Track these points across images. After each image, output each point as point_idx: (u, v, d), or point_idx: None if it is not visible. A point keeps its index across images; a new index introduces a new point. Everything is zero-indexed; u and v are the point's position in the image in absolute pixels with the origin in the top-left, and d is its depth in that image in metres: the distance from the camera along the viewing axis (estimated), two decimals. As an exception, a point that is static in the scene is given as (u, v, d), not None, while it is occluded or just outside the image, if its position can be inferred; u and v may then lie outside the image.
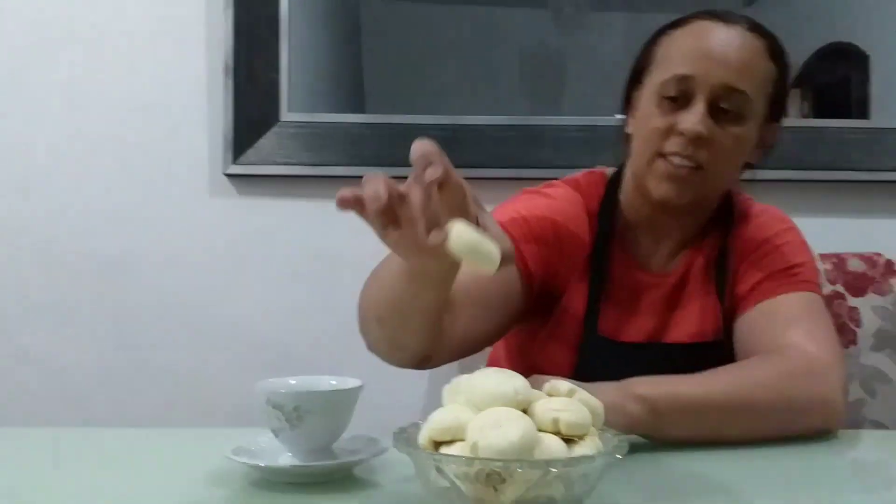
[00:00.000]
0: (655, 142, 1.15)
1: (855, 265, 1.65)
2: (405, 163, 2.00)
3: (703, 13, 1.19)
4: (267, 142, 1.84)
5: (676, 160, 1.13)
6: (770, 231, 1.27)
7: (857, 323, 1.61)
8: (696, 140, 1.12)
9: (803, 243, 1.28)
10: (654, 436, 0.98)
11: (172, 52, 1.87)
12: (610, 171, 1.32)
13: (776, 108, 1.23)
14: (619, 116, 1.30)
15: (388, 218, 0.78)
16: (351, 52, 1.99)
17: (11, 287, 1.85)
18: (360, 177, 1.98)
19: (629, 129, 1.25)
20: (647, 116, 1.18)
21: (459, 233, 0.74)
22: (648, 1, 1.25)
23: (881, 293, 1.62)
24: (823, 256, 1.66)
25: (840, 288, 1.62)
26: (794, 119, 1.95)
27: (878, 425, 1.56)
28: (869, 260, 1.66)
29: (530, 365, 1.18)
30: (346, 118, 1.87)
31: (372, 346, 1.07)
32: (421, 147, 0.80)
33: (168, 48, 1.87)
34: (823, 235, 1.84)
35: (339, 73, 2.00)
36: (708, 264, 1.26)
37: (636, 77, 1.24)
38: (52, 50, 1.86)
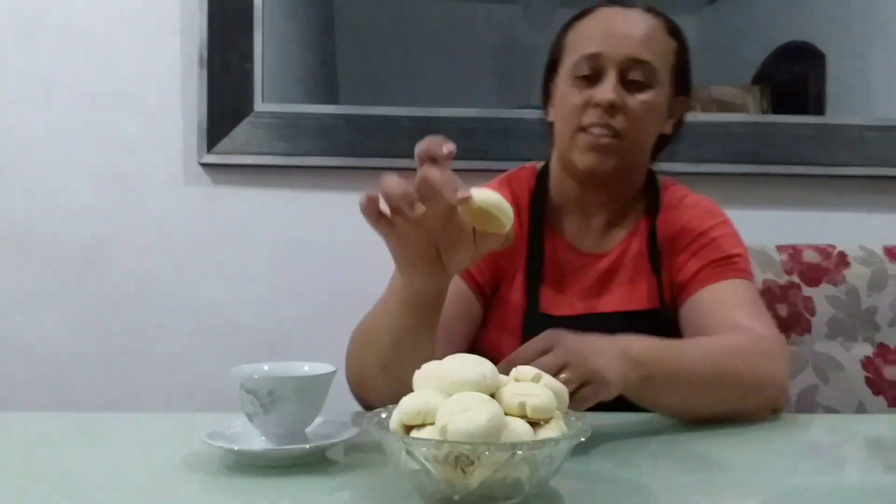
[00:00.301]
0: (575, 117, 1.22)
1: (810, 256, 1.67)
2: (377, 153, 2.01)
3: (604, 3, 1.28)
4: (241, 131, 1.83)
5: (596, 130, 1.20)
6: (706, 224, 1.30)
7: (812, 312, 1.63)
8: (611, 108, 1.19)
9: (736, 235, 1.32)
10: (632, 398, 0.98)
11: (147, 42, 1.85)
12: (540, 164, 1.36)
13: (681, 82, 1.30)
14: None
15: (408, 202, 0.81)
16: (325, 44, 1.98)
17: (-14, 274, 1.84)
18: (333, 167, 2.01)
19: (550, 118, 1.31)
20: (564, 98, 1.25)
21: (480, 191, 0.80)
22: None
23: (835, 283, 1.64)
24: (780, 248, 1.68)
25: (795, 278, 1.64)
26: (754, 115, 1.98)
27: (831, 410, 1.58)
28: (823, 251, 1.68)
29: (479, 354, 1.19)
30: (320, 109, 1.86)
31: (375, 402, 1.00)
32: (426, 141, 0.84)
33: (143, 39, 1.85)
34: (780, 227, 1.87)
35: (312, 64, 1.99)
36: (641, 249, 1.30)
37: (551, 68, 1.31)
38: (26, 40, 1.83)
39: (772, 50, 2.01)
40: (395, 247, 0.88)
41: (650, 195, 1.33)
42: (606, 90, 1.19)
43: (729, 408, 1.06)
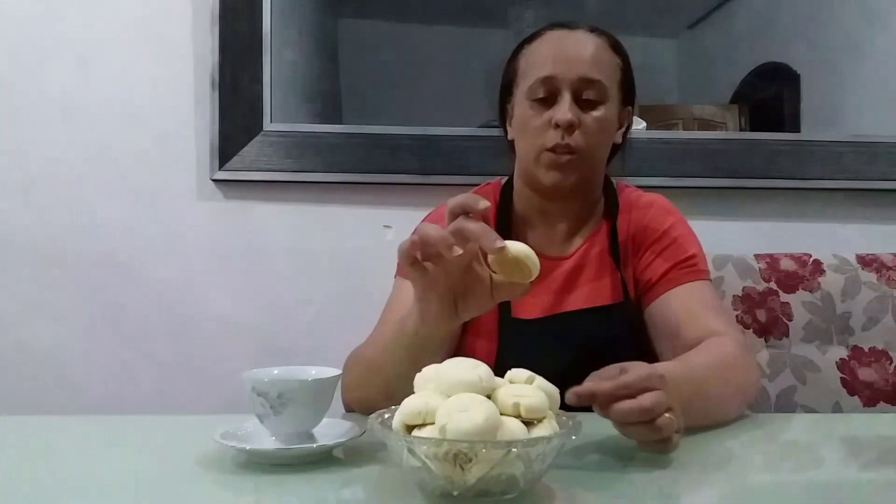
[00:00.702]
0: (538, 139, 1.23)
1: (787, 265, 1.68)
2: (377, 169, 2.02)
3: (551, 25, 1.29)
4: (251, 150, 1.84)
5: (558, 150, 1.21)
6: (666, 223, 1.31)
7: (789, 317, 1.63)
8: (569, 128, 1.20)
9: (692, 232, 1.33)
10: None
11: (162, 66, 1.86)
12: (504, 179, 1.38)
13: (627, 94, 1.30)
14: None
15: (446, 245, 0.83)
16: (329, 68, 1.99)
17: (11, 285, 1.83)
18: (336, 182, 2.00)
19: (510, 136, 1.32)
20: (524, 120, 1.26)
21: (512, 242, 0.83)
22: (601, 22, 1.29)
23: (810, 290, 1.65)
24: (758, 256, 1.68)
25: (773, 285, 1.65)
26: (733, 132, 1.99)
27: (808, 409, 1.58)
28: (799, 260, 1.69)
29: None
30: (324, 128, 1.86)
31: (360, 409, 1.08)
32: (462, 197, 0.87)
33: (158, 63, 1.86)
34: (758, 237, 1.88)
35: (317, 86, 2.00)
36: (603, 248, 1.30)
37: (506, 90, 1.32)
38: (49, 64, 1.84)
39: (749, 71, 2.03)
40: (422, 290, 0.90)
41: (608, 199, 1.34)
42: (564, 111, 1.20)
43: (729, 415, 1.07)
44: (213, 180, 1.85)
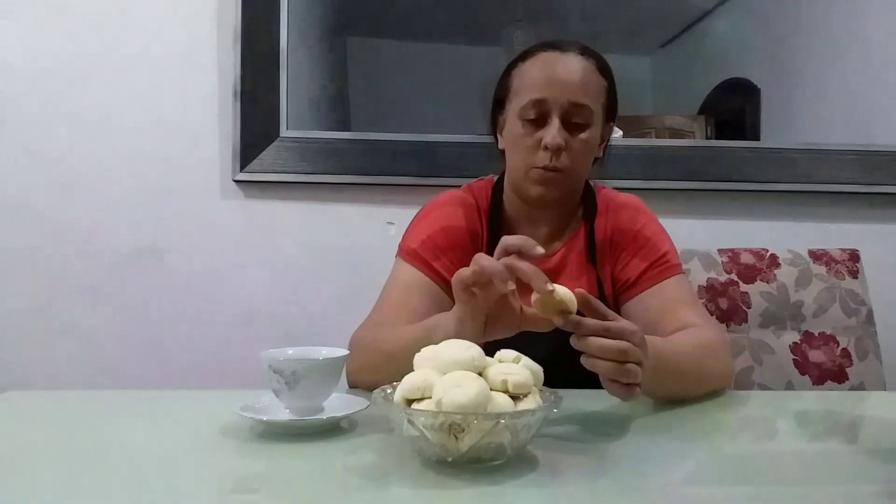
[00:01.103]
0: (527, 157, 1.21)
1: (746, 258, 1.68)
2: (382, 172, 2.02)
3: (543, 45, 1.23)
4: (269, 154, 1.84)
5: (547, 171, 1.19)
6: (638, 223, 1.29)
7: (748, 305, 1.63)
8: (557, 150, 1.17)
9: (663, 230, 1.31)
10: None
11: (189, 78, 1.85)
12: (495, 177, 1.35)
13: (610, 112, 1.27)
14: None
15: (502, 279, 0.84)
16: (339, 81, 1.99)
17: (56, 272, 1.83)
18: (345, 184, 1.99)
19: (501, 146, 1.29)
20: (515, 137, 1.22)
21: (558, 287, 0.83)
22: (586, 39, 1.28)
23: (767, 281, 1.65)
24: (721, 251, 1.69)
25: (734, 276, 1.65)
26: (700, 140, 1.99)
27: (764, 387, 1.58)
28: (758, 254, 1.69)
29: None
30: (335, 135, 1.86)
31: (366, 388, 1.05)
32: (520, 239, 0.88)
33: (186, 76, 1.85)
34: (721, 234, 1.89)
35: (328, 97, 1.99)
36: (582, 248, 1.29)
37: (498, 104, 1.28)
38: (92, 78, 1.84)
39: (715, 85, 2.03)
40: (467, 312, 0.89)
41: (587, 202, 1.32)
42: (553, 135, 1.17)
43: (699, 392, 1.07)
44: (235, 181, 1.84)
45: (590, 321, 0.84)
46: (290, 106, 1.84)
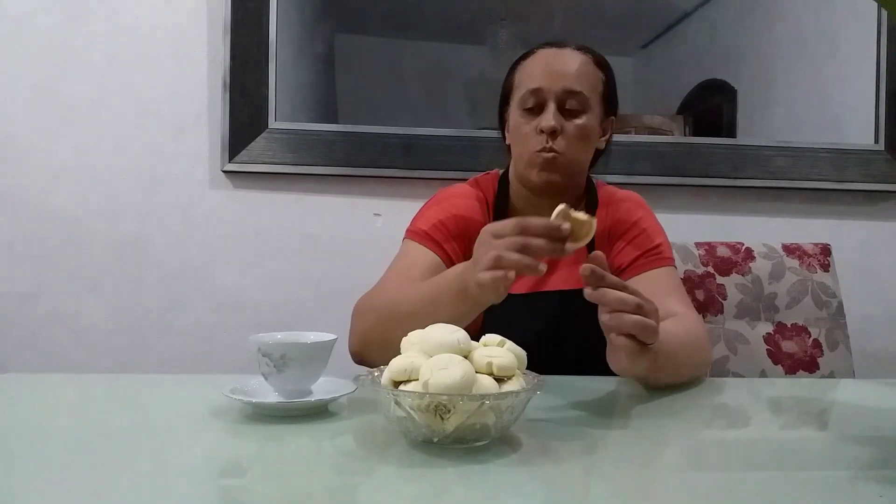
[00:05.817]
0: (528, 144, 1.24)
1: (722, 251, 1.69)
2: (368, 164, 2.02)
3: (543, 44, 1.28)
4: (257, 145, 1.82)
5: (545, 153, 1.21)
6: (636, 215, 1.32)
7: (724, 296, 1.65)
8: (553, 133, 1.21)
9: (658, 224, 1.34)
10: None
11: (180, 69, 1.84)
12: (501, 171, 1.38)
13: (610, 106, 1.30)
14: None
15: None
16: (327, 75, 1.97)
17: (46, 260, 1.81)
18: (332, 175, 1.99)
19: (507, 140, 1.32)
20: (516, 127, 1.27)
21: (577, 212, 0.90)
22: (568, 37, 1.29)
23: (742, 273, 1.67)
24: (698, 244, 1.70)
25: (710, 269, 1.66)
26: (678, 137, 2.00)
27: (738, 376, 1.60)
28: (733, 247, 1.70)
29: None
30: (322, 127, 1.86)
31: (374, 351, 1.07)
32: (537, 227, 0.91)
33: (176, 67, 1.84)
34: (699, 227, 1.90)
35: (316, 90, 1.98)
36: None
37: (504, 101, 1.32)
38: (81, 68, 1.82)
39: (694, 86, 2.03)
40: (499, 287, 0.89)
41: (589, 195, 1.34)
42: (548, 119, 1.20)
43: (685, 379, 1.09)
44: (224, 171, 1.83)
45: (611, 276, 0.88)
46: (279, 98, 1.83)
